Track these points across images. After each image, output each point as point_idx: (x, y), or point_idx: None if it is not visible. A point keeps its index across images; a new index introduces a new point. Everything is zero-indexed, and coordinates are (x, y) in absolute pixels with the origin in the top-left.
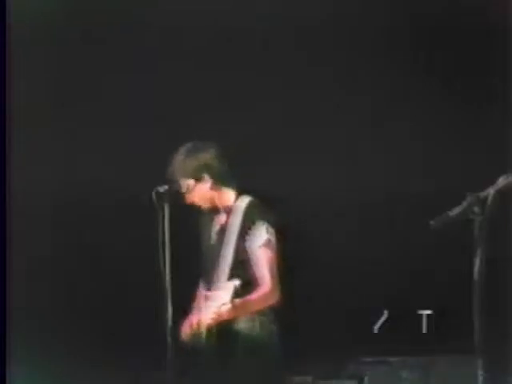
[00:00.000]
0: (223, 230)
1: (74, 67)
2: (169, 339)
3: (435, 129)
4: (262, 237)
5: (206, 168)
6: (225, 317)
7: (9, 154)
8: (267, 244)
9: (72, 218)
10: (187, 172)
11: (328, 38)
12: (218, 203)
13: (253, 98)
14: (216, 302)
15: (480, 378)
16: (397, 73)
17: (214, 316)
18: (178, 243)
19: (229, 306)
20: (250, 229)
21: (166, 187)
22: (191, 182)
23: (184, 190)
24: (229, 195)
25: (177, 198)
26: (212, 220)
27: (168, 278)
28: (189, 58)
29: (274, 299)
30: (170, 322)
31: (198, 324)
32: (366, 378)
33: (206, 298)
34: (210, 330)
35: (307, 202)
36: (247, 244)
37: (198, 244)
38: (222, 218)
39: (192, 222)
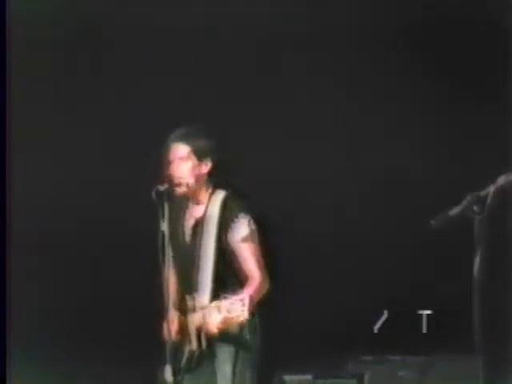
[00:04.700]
0: (199, 225)
1: (73, 67)
2: (168, 339)
3: (435, 128)
4: (245, 229)
5: (199, 155)
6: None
7: (9, 153)
8: (251, 236)
9: (71, 218)
10: (182, 152)
11: (328, 37)
12: (192, 194)
13: (251, 97)
14: (223, 312)
15: (480, 378)
16: (397, 72)
17: (222, 325)
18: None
19: (246, 315)
20: (233, 222)
21: (166, 186)
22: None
23: (169, 157)
24: (206, 188)
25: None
26: (184, 213)
27: (168, 276)
28: (188, 58)
29: (265, 288)
30: (169, 322)
31: (183, 326)
32: (365, 378)
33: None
34: (199, 331)
35: (307, 202)
36: (230, 237)
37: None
38: (197, 211)
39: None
